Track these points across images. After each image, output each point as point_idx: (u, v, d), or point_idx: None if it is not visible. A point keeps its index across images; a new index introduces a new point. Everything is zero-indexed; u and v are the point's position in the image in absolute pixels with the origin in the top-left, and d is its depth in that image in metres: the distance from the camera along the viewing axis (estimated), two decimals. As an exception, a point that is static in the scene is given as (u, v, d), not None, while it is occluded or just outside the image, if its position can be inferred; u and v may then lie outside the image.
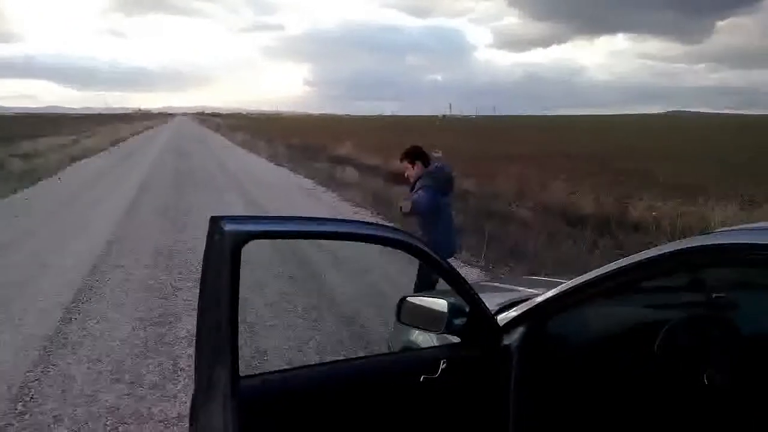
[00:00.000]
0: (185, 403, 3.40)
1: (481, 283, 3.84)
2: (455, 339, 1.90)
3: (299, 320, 5.06)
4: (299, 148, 28.75)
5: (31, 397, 3.58)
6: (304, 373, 1.61)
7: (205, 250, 1.39)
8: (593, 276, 1.69)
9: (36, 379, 3.83)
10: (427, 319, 1.88)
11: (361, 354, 4.02)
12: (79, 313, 5.12)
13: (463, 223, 8.80)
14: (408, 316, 1.97)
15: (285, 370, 1.61)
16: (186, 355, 4.23)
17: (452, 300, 1.83)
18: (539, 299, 1.84)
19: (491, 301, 1.96)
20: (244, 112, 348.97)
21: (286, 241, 5.68)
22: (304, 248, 7.07)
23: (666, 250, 1.54)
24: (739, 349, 1.80)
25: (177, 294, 5.73)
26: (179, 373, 3.97)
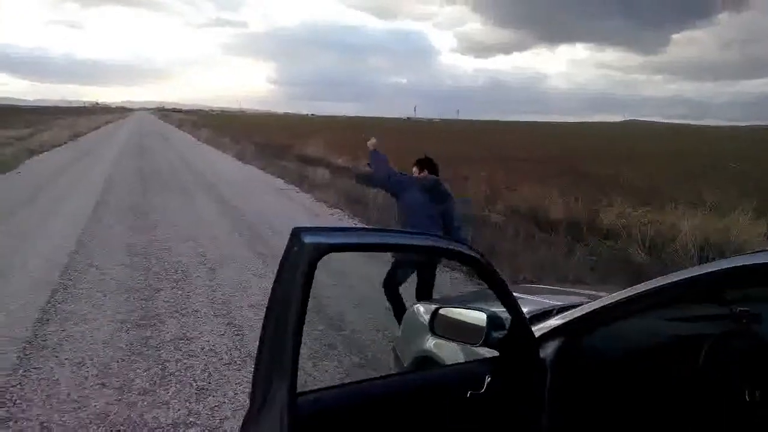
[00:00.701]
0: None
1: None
2: (486, 351, 1.89)
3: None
4: (265, 147, 28.49)
5: None
6: (354, 390, 1.58)
7: (281, 261, 1.36)
8: (636, 292, 1.70)
9: None
10: (463, 332, 1.87)
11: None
12: (55, 314, 4.94)
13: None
14: (442, 328, 1.94)
15: (337, 387, 1.58)
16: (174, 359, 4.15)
17: (490, 312, 1.83)
18: (577, 312, 1.84)
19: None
20: (206, 109, 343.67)
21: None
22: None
23: (713, 269, 1.56)
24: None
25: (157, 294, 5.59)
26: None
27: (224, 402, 3.58)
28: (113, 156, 22.17)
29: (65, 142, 28.87)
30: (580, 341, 1.86)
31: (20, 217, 9.30)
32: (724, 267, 1.54)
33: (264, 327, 1.35)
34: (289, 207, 11.89)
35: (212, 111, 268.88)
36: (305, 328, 1.32)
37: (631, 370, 1.92)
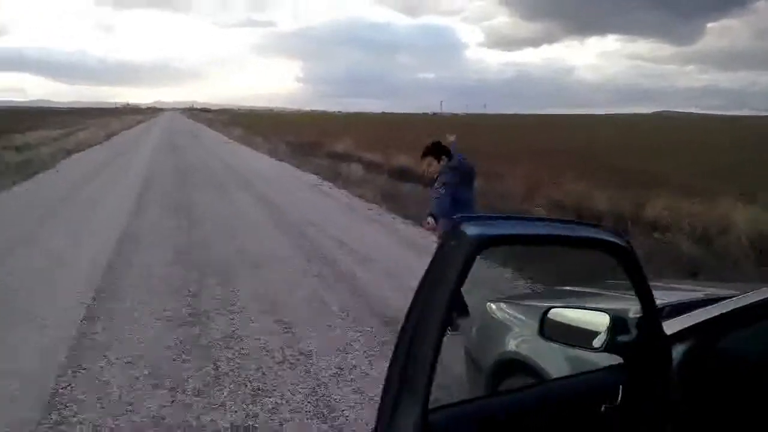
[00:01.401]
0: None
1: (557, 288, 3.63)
2: (604, 357, 1.69)
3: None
4: (296, 144, 28.46)
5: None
6: (485, 405, 1.41)
7: (434, 255, 1.19)
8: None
9: None
10: (580, 336, 1.67)
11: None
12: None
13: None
14: (554, 331, 1.75)
15: (467, 402, 1.41)
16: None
17: (614, 313, 1.62)
18: (713, 311, 1.63)
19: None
20: (236, 108, 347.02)
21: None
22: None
23: None
24: None
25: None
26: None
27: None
28: (148, 154, 22.42)
29: (100, 142, 29.33)
30: (715, 344, 1.65)
31: (63, 217, 9.37)
32: None
33: (402, 329, 1.18)
34: (325, 202, 11.80)
35: (241, 110, 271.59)
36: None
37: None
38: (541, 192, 12.75)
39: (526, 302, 2.99)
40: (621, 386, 1.49)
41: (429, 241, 8.17)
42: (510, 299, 3.18)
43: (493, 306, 2.89)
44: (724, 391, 1.66)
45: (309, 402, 3.41)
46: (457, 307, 4.72)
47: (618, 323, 1.61)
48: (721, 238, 8.36)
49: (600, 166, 17.45)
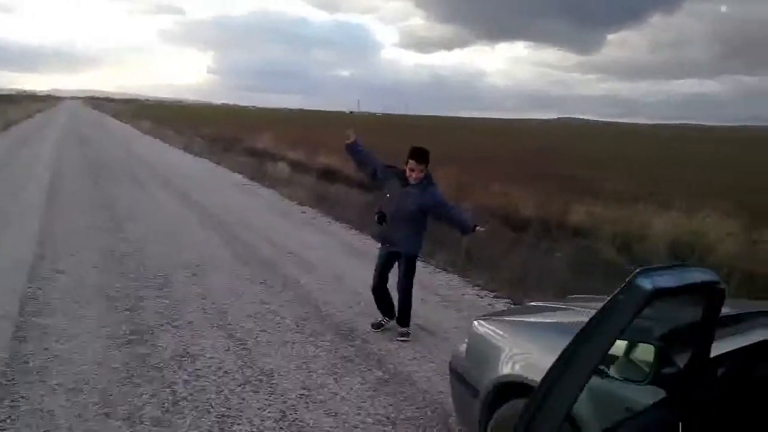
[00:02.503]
0: None
1: (532, 304, 3.65)
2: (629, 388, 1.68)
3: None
4: (213, 140, 27.47)
5: None
6: None
7: (609, 301, 1.22)
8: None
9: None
10: (624, 367, 1.65)
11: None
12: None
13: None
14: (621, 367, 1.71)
15: None
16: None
17: (660, 344, 1.61)
18: (750, 336, 1.66)
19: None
20: (141, 99, 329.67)
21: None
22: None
23: None
24: None
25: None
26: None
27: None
28: (52, 147, 20.81)
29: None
30: (753, 370, 1.68)
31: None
32: None
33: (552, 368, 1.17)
34: (256, 204, 11.41)
35: (148, 101, 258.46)
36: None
37: None
38: (470, 196, 13.03)
39: (515, 317, 2.97)
40: (680, 423, 1.47)
41: (369, 247, 8.14)
42: (496, 316, 3.15)
43: (481, 323, 2.84)
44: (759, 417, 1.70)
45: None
46: (384, 308, 4.72)
47: (663, 354, 1.60)
48: (641, 243, 8.90)
49: (524, 171, 18.09)
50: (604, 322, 1.22)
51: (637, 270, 1.27)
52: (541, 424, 1.20)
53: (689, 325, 1.57)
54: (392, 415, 3.44)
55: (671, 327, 1.72)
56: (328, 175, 15.91)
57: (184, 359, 4.04)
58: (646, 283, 1.22)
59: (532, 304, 3.65)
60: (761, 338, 1.67)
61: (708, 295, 1.44)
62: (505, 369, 2.49)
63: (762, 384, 1.70)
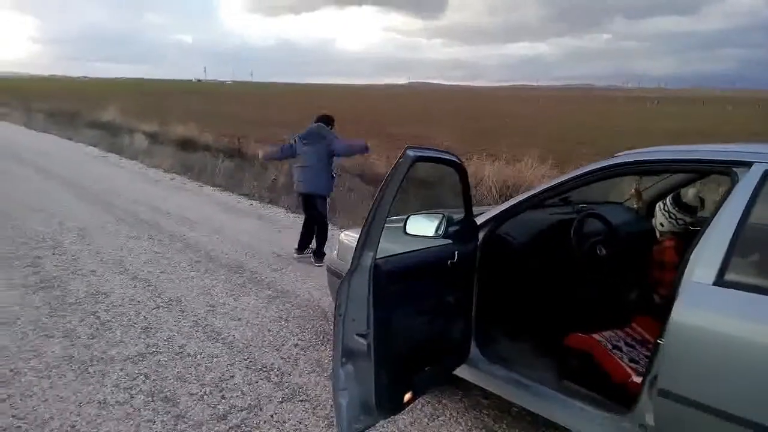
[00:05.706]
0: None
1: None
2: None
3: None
4: (54, 114, 25.83)
5: None
6: (405, 257, 2.45)
7: (393, 167, 2.20)
8: (525, 197, 2.85)
9: None
10: (428, 229, 2.84)
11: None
12: None
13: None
14: (413, 228, 2.88)
15: (397, 255, 2.42)
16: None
17: (445, 214, 2.82)
18: (493, 212, 2.95)
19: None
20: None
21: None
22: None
23: (601, 165, 2.69)
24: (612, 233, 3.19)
25: None
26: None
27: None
28: None
29: None
30: (497, 229, 2.97)
31: None
32: (614, 162, 2.63)
33: (370, 209, 2.18)
34: (122, 175, 11.55)
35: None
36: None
37: (531, 243, 3.11)
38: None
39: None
40: (456, 252, 2.70)
41: (245, 205, 8.97)
42: (352, 230, 4.30)
43: (346, 235, 3.98)
44: (498, 256, 3.00)
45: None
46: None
47: (449, 219, 2.82)
48: (477, 188, 10.63)
49: (380, 133, 19.55)
50: (390, 179, 2.20)
51: (407, 146, 2.28)
52: (366, 252, 2.17)
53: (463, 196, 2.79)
54: (284, 316, 4.51)
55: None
56: (187, 144, 16.15)
57: (98, 296, 4.75)
58: (412, 153, 2.26)
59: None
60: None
61: (455, 169, 2.64)
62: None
63: (501, 239, 3.02)
